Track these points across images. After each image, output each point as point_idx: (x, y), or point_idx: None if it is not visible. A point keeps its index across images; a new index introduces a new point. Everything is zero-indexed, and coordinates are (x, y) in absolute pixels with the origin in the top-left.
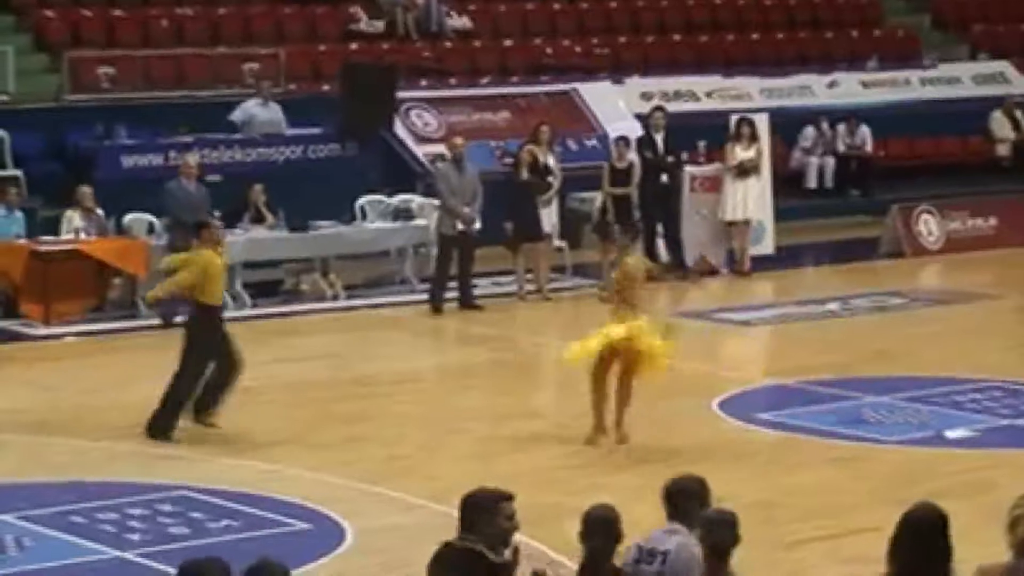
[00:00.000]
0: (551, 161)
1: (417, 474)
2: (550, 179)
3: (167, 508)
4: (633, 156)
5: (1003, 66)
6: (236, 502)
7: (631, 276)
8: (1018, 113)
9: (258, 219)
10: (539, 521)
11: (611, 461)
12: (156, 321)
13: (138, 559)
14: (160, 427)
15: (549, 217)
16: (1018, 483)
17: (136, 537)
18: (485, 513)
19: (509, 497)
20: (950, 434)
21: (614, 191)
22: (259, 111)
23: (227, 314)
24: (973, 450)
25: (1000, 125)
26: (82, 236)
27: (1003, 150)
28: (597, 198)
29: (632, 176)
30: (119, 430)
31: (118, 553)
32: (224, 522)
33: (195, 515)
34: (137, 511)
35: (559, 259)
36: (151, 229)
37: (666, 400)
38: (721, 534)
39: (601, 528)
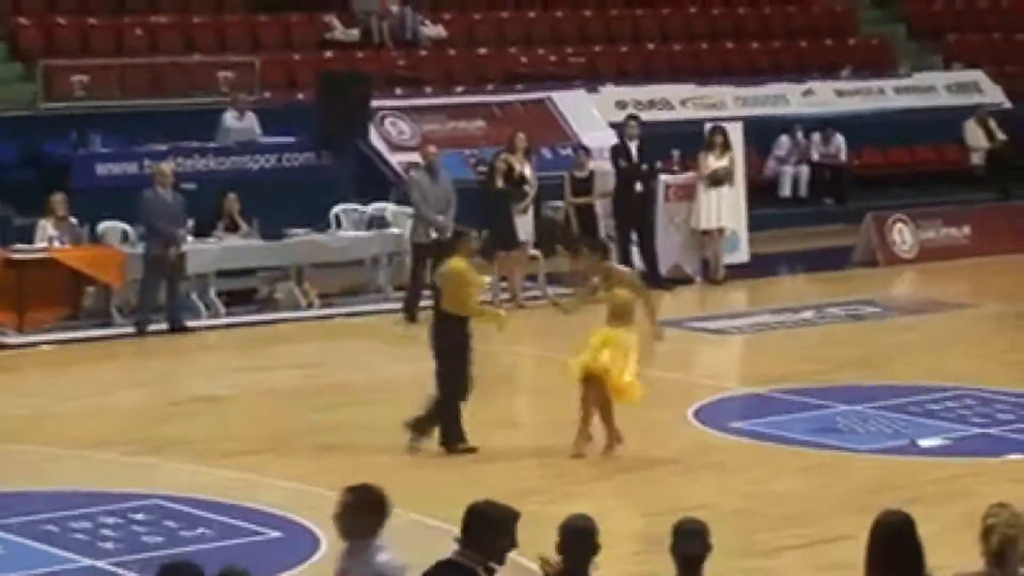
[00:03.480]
0: (527, 170)
1: (392, 483)
2: (525, 188)
3: (140, 517)
4: (594, 165)
5: (977, 75)
6: (210, 511)
7: (625, 307)
8: (992, 122)
9: (232, 227)
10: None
11: (587, 471)
12: (130, 330)
13: (111, 568)
14: (450, 438)
15: (525, 226)
16: (991, 491)
17: (109, 546)
18: (495, 530)
19: (516, 515)
20: (924, 442)
21: (575, 201)
22: (235, 123)
23: (200, 322)
24: (947, 458)
25: (974, 134)
26: (56, 244)
27: (977, 159)
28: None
29: (593, 185)
30: (92, 438)
31: (91, 562)
32: (198, 530)
33: (169, 524)
34: (111, 519)
35: (534, 268)
36: (125, 237)
37: (641, 409)
38: (692, 544)
39: (578, 538)
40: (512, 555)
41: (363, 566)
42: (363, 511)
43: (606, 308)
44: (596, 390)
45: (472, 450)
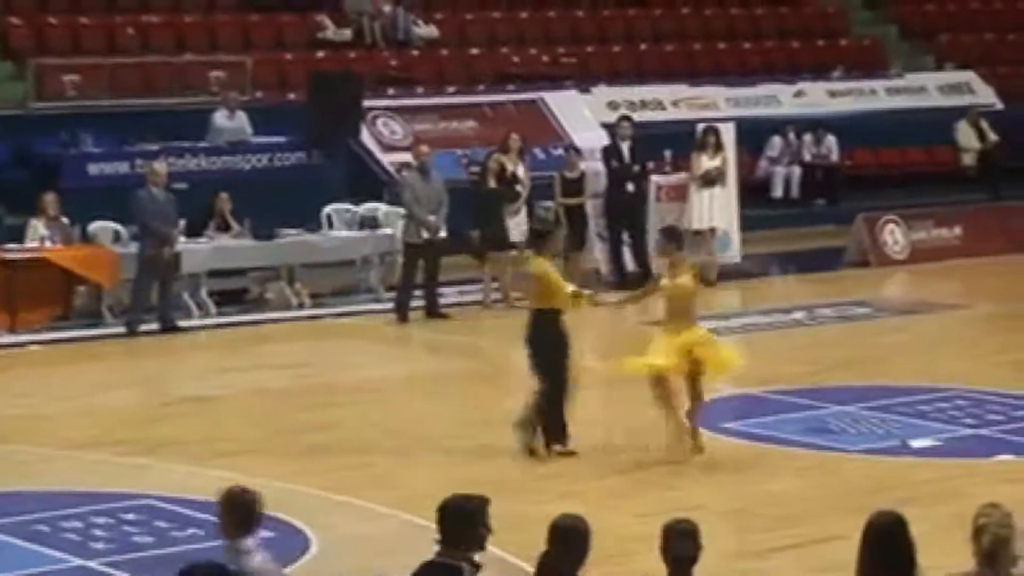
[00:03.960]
0: (520, 170)
1: (383, 483)
2: (519, 188)
3: (131, 517)
4: (585, 166)
5: (969, 76)
6: (201, 511)
7: (687, 292)
8: (983, 123)
9: (224, 227)
10: (506, 530)
11: (579, 471)
12: (121, 330)
13: (102, 568)
14: (554, 435)
15: (519, 226)
16: (983, 492)
17: (100, 546)
18: (468, 521)
19: (487, 501)
20: (915, 443)
21: (566, 202)
22: (225, 122)
23: (192, 322)
24: (938, 459)
25: (965, 135)
26: (47, 244)
27: (968, 160)
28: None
29: (583, 186)
30: (83, 438)
31: (82, 562)
32: (189, 531)
33: (160, 524)
34: (102, 520)
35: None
36: (117, 237)
37: (632, 410)
38: (683, 545)
39: (568, 538)
40: (504, 554)
41: (236, 567)
42: (232, 513)
43: (667, 301)
44: (667, 386)
45: (571, 454)
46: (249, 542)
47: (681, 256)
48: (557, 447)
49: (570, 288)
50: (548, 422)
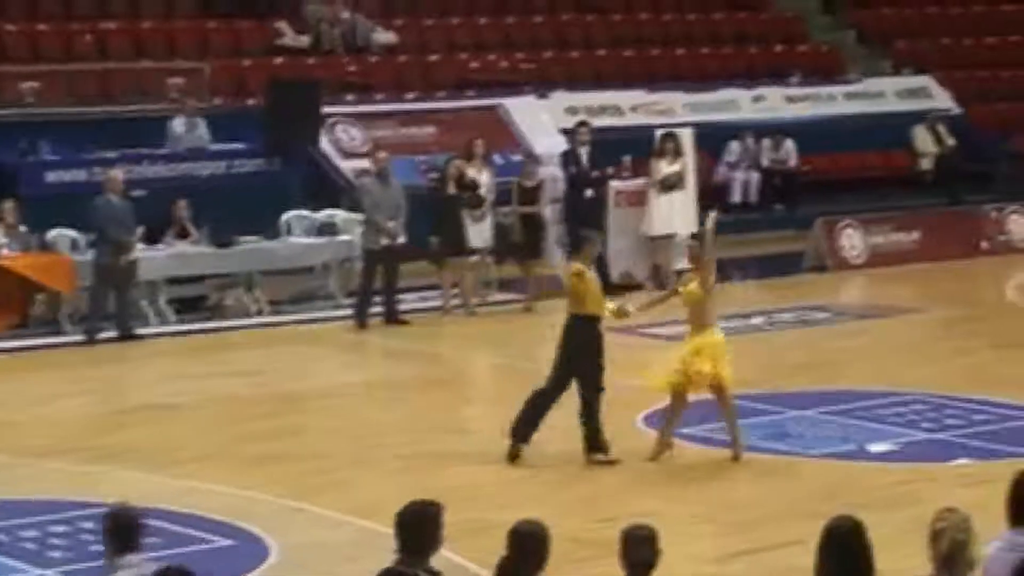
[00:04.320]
0: (484, 176)
1: (342, 490)
2: (482, 193)
3: (89, 525)
4: (544, 172)
5: (926, 81)
6: (159, 519)
7: (693, 298)
8: (940, 128)
9: (182, 234)
10: (466, 536)
11: (539, 477)
12: (80, 338)
13: None
14: (520, 433)
15: (482, 233)
16: (940, 496)
17: (58, 555)
18: (426, 528)
19: (443, 508)
20: (873, 448)
21: (523, 210)
22: (183, 130)
23: (150, 330)
24: (896, 464)
25: (923, 140)
26: (5, 252)
27: (926, 164)
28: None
29: (540, 194)
30: (42, 447)
31: (40, 571)
32: (147, 539)
33: None
34: (59, 528)
35: (488, 274)
36: (75, 245)
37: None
38: (640, 551)
39: (527, 543)
40: (464, 561)
41: None
42: (114, 530)
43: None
44: (683, 399)
45: (613, 462)
46: (132, 558)
47: (703, 260)
48: (599, 456)
49: (611, 305)
50: (586, 431)
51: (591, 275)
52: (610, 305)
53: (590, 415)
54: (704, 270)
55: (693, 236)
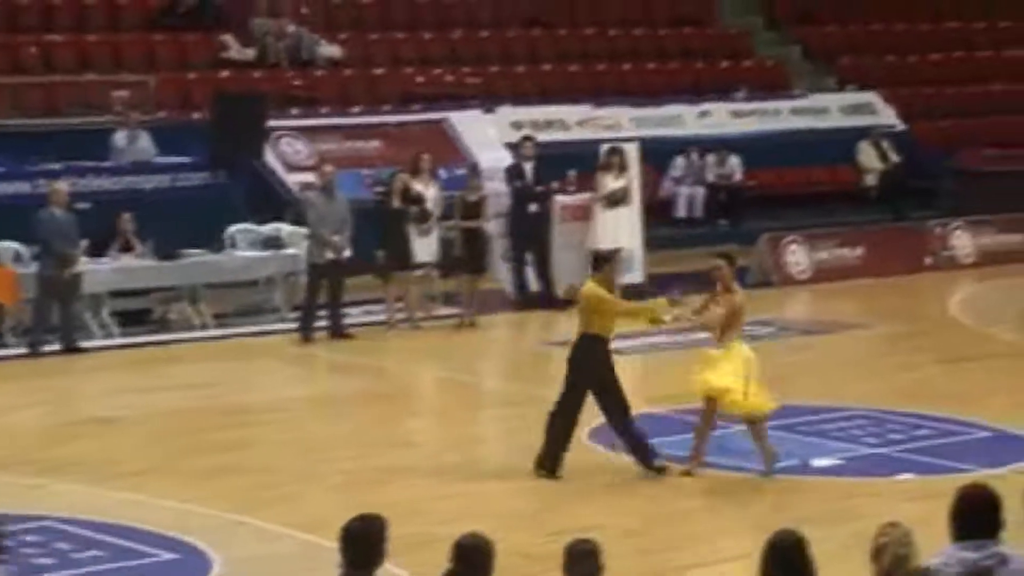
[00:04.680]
0: (430, 190)
1: (287, 504)
2: (428, 207)
3: (32, 539)
4: (488, 186)
5: (870, 97)
6: (103, 532)
7: (740, 311)
8: (885, 144)
9: (126, 248)
10: (411, 551)
11: (485, 490)
12: (23, 350)
13: None
14: (548, 464)
15: (428, 247)
16: (883, 511)
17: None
18: (370, 543)
19: (385, 520)
20: (817, 462)
21: (466, 224)
22: (125, 143)
23: (94, 343)
24: (839, 478)
25: (867, 155)
26: None
27: (870, 180)
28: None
29: (482, 209)
30: None
31: None
32: (91, 552)
33: (61, 546)
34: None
35: (433, 288)
36: (18, 257)
37: (535, 430)
38: (583, 565)
39: (472, 557)
40: (404, 574)
41: None
42: None
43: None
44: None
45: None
46: None
47: (725, 276)
48: (542, 471)
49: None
50: (548, 441)
51: (609, 295)
52: (665, 316)
53: (560, 431)
54: (732, 293)
55: (724, 257)
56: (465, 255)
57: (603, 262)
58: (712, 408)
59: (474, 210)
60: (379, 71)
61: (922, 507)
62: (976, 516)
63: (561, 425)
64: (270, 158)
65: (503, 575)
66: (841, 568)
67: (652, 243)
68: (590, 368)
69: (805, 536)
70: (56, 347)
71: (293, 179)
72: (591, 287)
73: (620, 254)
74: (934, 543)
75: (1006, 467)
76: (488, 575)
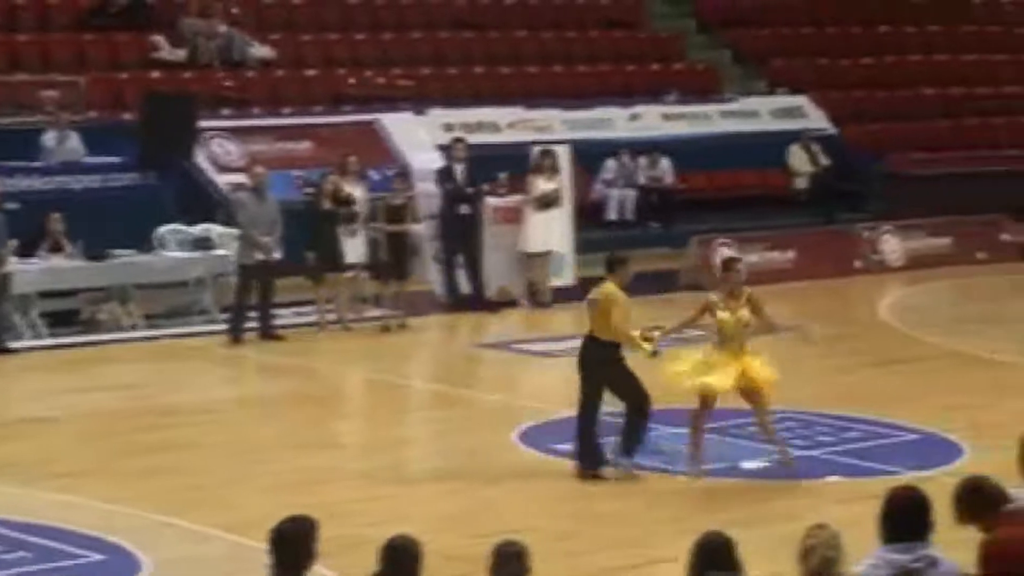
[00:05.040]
0: (358, 191)
1: (216, 505)
2: (355, 209)
3: None
4: (420, 190)
5: (801, 100)
6: (32, 534)
7: (741, 325)
8: (815, 147)
9: (56, 248)
10: (338, 552)
11: (412, 493)
12: None
13: None
14: (586, 462)
15: (356, 248)
16: (811, 513)
17: None
18: (301, 544)
19: (317, 524)
20: (746, 465)
21: (388, 228)
22: (54, 143)
23: (23, 344)
24: (768, 481)
25: (798, 159)
26: None
27: (801, 183)
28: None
29: (407, 213)
30: None
31: None
32: (18, 554)
33: None
34: None
35: (363, 290)
36: None
37: (465, 431)
38: (509, 567)
39: (400, 558)
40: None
41: None
42: None
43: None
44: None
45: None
46: None
47: (731, 282)
48: (587, 473)
49: (646, 345)
50: (581, 444)
51: (623, 298)
52: (647, 346)
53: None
54: (741, 299)
55: (731, 259)
56: (390, 259)
57: (618, 264)
58: (705, 410)
59: (398, 213)
60: (310, 72)
61: (851, 509)
62: (905, 518)
63: (583, 426)
64: (201, 159)
65: None
66: (769, 569)
67: (583, 246)
68: (598, 367)
69: (733, 538)
70: None
71: (224, 180)
72: (611, 289)
73: (629, 261)
74: (863, 545)
75: (934, 469)
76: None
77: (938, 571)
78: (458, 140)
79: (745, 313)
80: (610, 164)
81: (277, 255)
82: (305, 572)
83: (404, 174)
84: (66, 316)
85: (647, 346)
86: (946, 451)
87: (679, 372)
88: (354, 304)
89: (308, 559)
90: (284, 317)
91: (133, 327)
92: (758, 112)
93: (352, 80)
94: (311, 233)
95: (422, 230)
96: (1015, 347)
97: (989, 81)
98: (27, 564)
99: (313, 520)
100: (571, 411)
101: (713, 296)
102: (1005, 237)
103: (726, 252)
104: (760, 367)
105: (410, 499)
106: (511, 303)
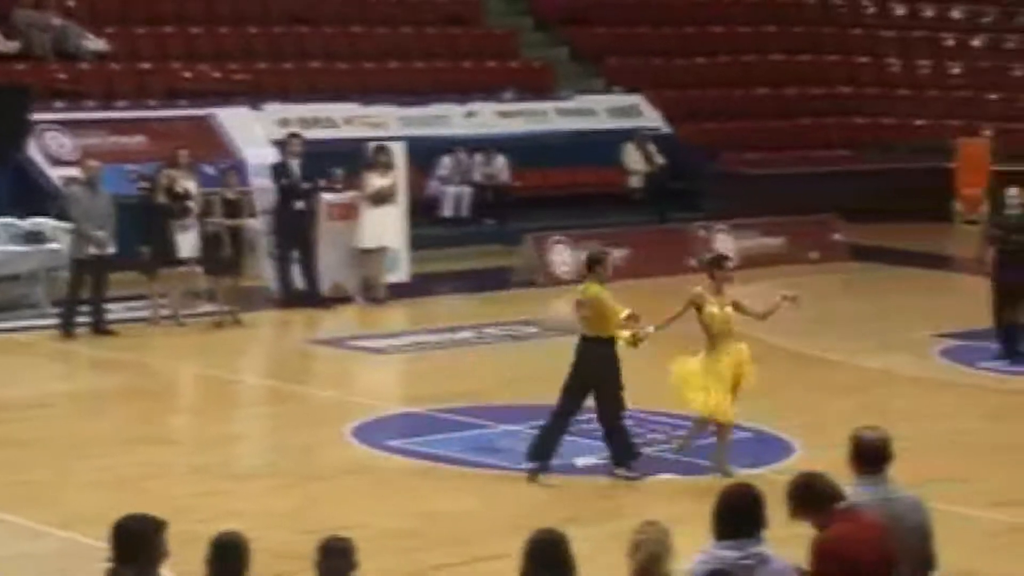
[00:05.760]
0: (191, 185)
1: (47, 501)
2: (188, 204)
3: None
4: (253, 185)
5: (636, 99)
6: None
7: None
8: (650, 146)
9: None
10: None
11: (243, 489)
12: None
13: None
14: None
15: (188, 242)
16: (642, 509)
17: None
18: (144, 542)
19: (164, 524)
20: (580, 462)
21: (224, 222)
22: None
23: None
24: (602, 478)
25: (632, 157)
26: None
27: (635, 182)
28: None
29: (241, 208)
30: None
31: None
32: None
33: None
34: None
35: (197, 285)
36: None
37: (299, 427)
38: (337, 562)
39: (226, 553)
40: (167, 573)
41: None
42: None
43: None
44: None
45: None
46: None
47: (720, 279)
48: (621, 471)
49: (626, 333)
50: (618, 444)
51: (608, 295)
52: (624, 334)
53: (620, 431)
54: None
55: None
56: (224, 253)
57: (595, 263)
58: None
59: (233, 208)
60: (145, 66)
61: (682, 506)
62: (738, 516)
63: (555, 424)
64: (33, 151)
65: (259, 572)
66: (600, 564)
67: (418, 242)
68: (598, 366)
69: (565, 534)
70: None
71: (56, 173)
72: (597, 290)
73: (607, 259)
74: (694, 542)
75: (765, 467)
76: (243, 572)
77: (768, 568)
78: (294, 135)
79: (730, 308)
80: (446, 161)
81: (110, 249)
82: (149, 567)
83: (237, 168)
84: None
85: (625, 334)
86: (777, 449)
87: (690, 392)
88: (187, 299)
89: (149, 553)
90: (117, 312)
91: None
92: (594, 110)
93: (187, 74)
94: (145, 227)
95: (258, 225)
96: (846, 346)
97: (822, 82)
98: None
99: (156, 517)
100: (406, 407)
101: (698, 290)
102: (837, 237)
103: (718, 248)
104: (749, 369)
105: (242, 495)
106: (345, 299)
